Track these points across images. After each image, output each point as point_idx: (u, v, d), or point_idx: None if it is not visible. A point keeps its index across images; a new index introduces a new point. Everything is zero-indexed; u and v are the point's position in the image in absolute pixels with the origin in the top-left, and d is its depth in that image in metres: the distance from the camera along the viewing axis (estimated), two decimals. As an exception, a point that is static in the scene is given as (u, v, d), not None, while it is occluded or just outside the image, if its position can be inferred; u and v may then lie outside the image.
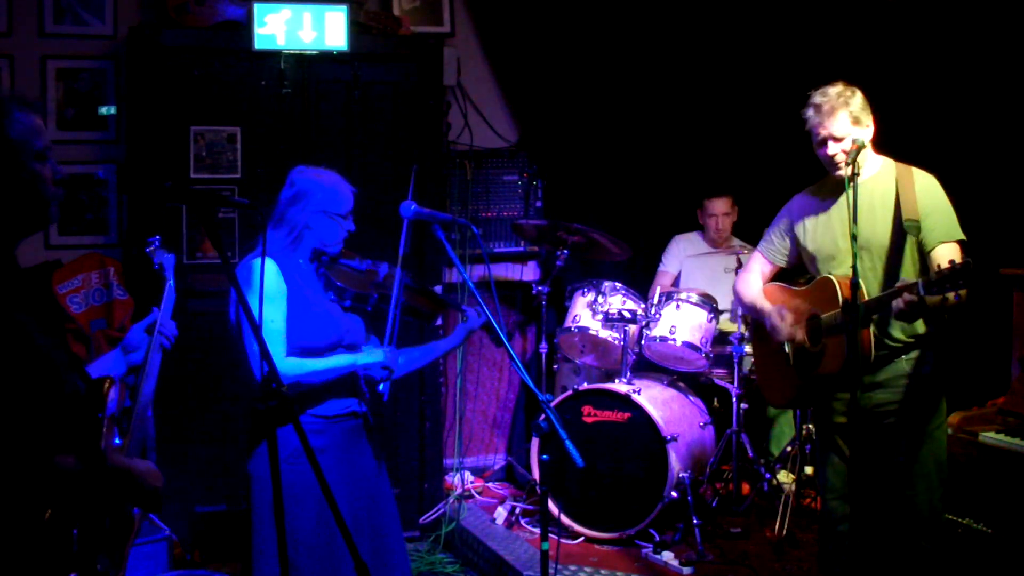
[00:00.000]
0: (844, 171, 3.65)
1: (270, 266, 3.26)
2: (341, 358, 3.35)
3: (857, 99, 3.67)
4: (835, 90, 3.68)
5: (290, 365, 3.23)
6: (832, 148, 3.66)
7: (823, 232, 3.79)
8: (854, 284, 3.42)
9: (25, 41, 5.34)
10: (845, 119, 3.64)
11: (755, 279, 4.05)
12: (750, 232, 5.78)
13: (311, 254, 3.44)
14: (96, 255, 5.33)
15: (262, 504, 3.30)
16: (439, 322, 3.63)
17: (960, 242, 3.63)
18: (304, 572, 3.24)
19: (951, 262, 3.31)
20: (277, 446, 2.29)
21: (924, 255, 3.64)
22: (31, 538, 2.01)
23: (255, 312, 2.97)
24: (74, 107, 5.42)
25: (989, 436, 3.98)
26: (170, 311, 2.87)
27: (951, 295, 3.32)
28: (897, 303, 3.42)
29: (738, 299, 4.15)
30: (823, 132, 3.67)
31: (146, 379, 2.71)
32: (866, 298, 3.58)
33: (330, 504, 2.31)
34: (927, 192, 3.67)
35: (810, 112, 3.70)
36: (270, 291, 3.20)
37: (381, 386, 3.45)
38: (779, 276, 4.08)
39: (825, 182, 3.82)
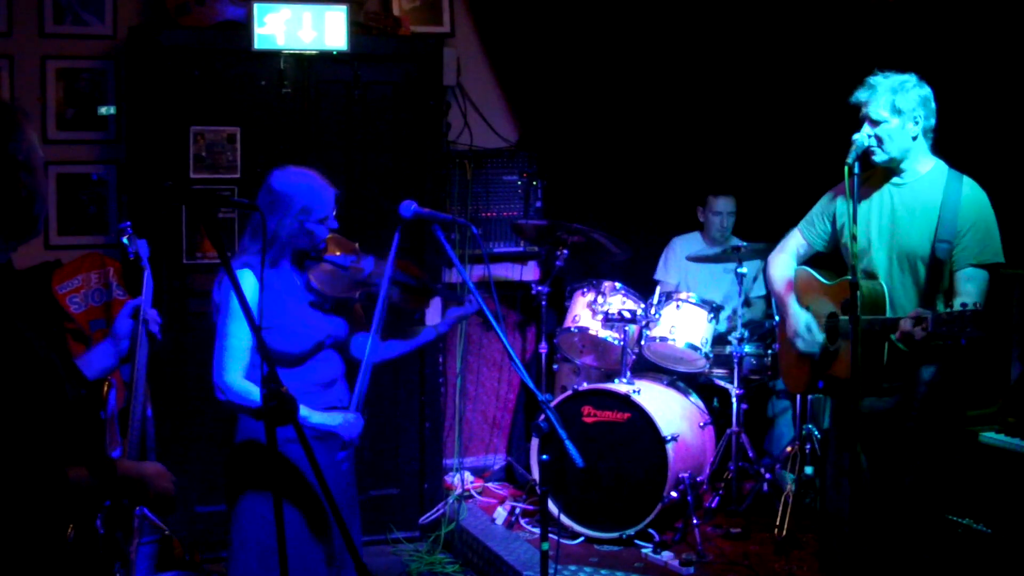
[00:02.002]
0: (879, 156, 3.59)
1: (248, 278, 3.23)
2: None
3: (916, 93, 3.57)
4: (898, 76, 3.59)
5: (240, 386, 3.21)
6: (865, 130, 3.57)
7: (858, 224, 3.67)
8: (853, 284, 3.40)
9: (25, 41, 5.33)
10: (887, 104, 3.55)
11: (788, 261, 3.96)
12: (750, 232, 5.78)
13: (293, 256, 3.38)
14: (96, 255, 5.32)
15: (242, 496, 3.34)
16: (416, 316, 3.62)
17: (994, 266, 3.56)
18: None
19: (963, 306, 3.25)
20: (276, 446, 2.29)
21: (951, 273, 3.58)
22: (57, 555, 2.01)
23: (249, 319, 2.96)
24: (74, 107, 5.42)
25: (989, 436, 3.98)
26: (150, 298, 2.84)
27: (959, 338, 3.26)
28: (904, 331, 3.36)
29: (766, 276, 4.08)
30: (863, 110, 3.60)
31: (136, 370, 2.70)
32: (887, 310, 3.53)
33: (330, 505, 2.31)
34: (972, 207, 3.59)
35: (861, 88, 3.63)
36: (240, 306, 3.16)
37: (339, 454, 3.36)
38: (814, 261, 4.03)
39: (874, 172, 3.74)
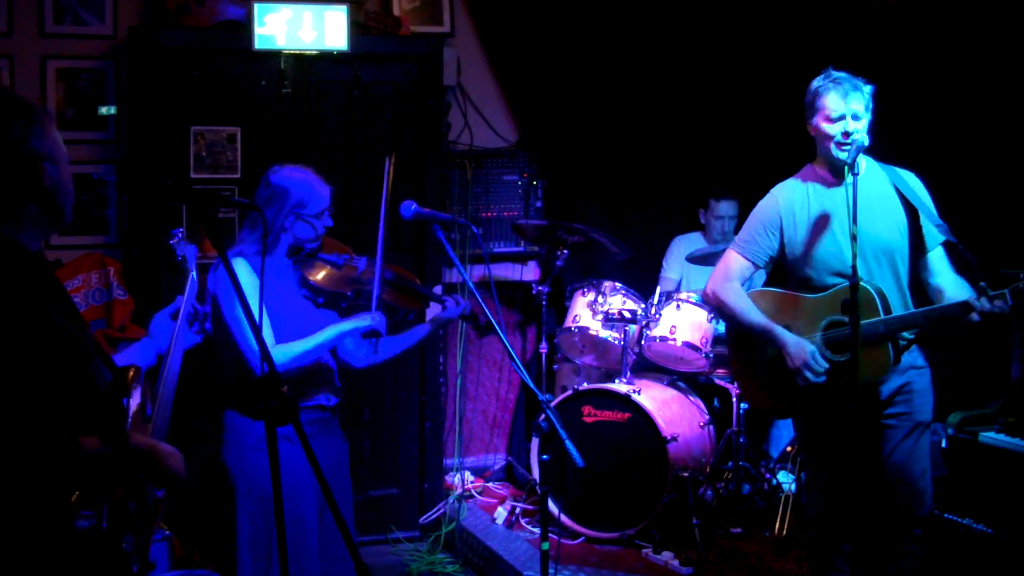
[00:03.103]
0: (846, 155, 3.54)
1: (242, 265, 3.33)
2: (326, 330, 3.40)
3: (872, 88, 3.61)
4: (854, 76, 3.59)
5: (280, 352, 3.30)
6: (851, 125, 3.54)
7: (820, 232, 3.64)
8: (853, 285, 3.37)
9: (25, 41, 5.33)
10: (867, 101, 3.56)
11: (738, 287, 3.75)
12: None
13: (287, 251, 3.47)
14: (96, 255, 5.33)
15: (239, 493, 3.38)
16: (411, 317, 3.71)
17: (947, 244, 3.61)
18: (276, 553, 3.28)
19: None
20: (277, 443, 2.29)
21: (918, 257, 3.61)
22: (59, 518, 2.06)
23: (254, 310, 2.99)
24: (74, 107, 5.42)
25: (989, 436, 3.98)
26: (193, 300, 2.99)
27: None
28: (984, 310, 3.34)
29: (724, 310, 3.78)
30: (842, 108, 3.54)
31: (169, 367, 2.79)
32: (880, 310, 3.48)
33: (322, 485, 2.31)
34: (921, 191, 3.64)
35: (829, 85, 3.56)
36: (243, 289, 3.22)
37: (372, 341, 3.50)
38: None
39: (810, 175, 3.71)
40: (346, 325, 3.42)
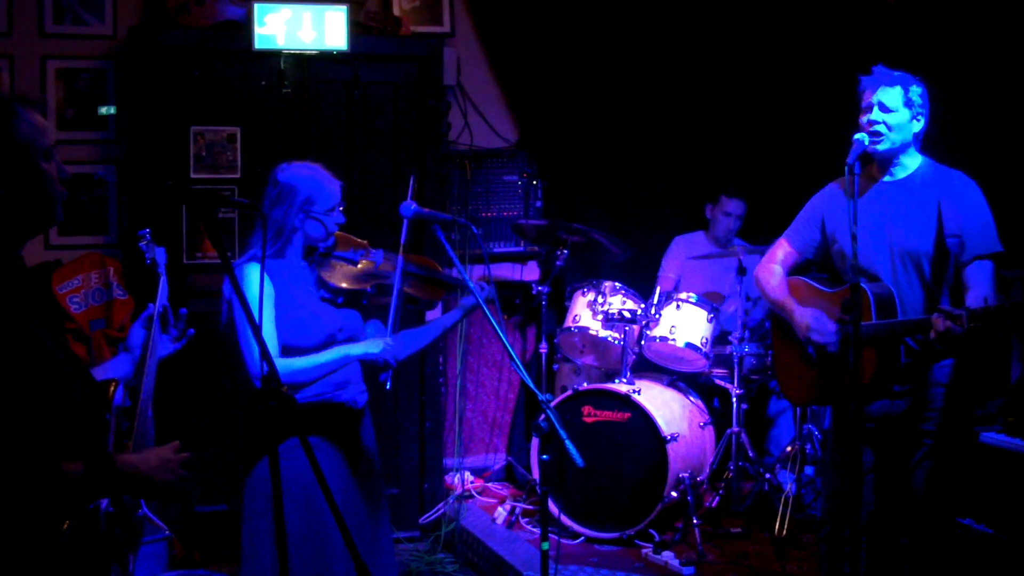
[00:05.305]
0: (883, 145, 3.55)
1: (257, 271, 3.22)
2: (332, 351, 3.31)
3: (920, 88, 3.58)
4: (905, 72, 3.59)
5: (280, 365, 3.19)
6: (875, 115, 3.54)
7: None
8: (853, 286, 3.37)
9: (25, 41, 5.33)
10: (900, 95, 3.54)
11: (778, 270, 3.89)
12: (754, 235, 5.78)
13: (303, 251, 3.40)
14: (96, 255, 5.33)
15: (253, 501, 3.33)
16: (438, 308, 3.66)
17: (997, 256, 3.55)
18: (293, 570, 3.24)
19: (1001, 300, 3.25)
20: (276, 447, 2.28)
21: (958, 268, 3.57)
22: (49, 550, 1.99)
23: (255, 314, 2.97)
24: (74, 107, 5.42)
25: (989, 436, 3.98)
26: (164, 304, 2.85)
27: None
28: (938, 329, 3.32)
29: (760, 288, 3.98)
30: (872, 97, 3.55)
31: (145, 375, 2.71)
32: (873, 314, 3.49)
33: (328, 501, 2.30)
34: (970, 199, 3.58)
35: (873, 74, 3.58)
36: (256, 296, 3.13)
37: (381, 376, 3.40)
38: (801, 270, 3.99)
39: (863, 174, 3.69)
40: (354, 349, 3.33)
